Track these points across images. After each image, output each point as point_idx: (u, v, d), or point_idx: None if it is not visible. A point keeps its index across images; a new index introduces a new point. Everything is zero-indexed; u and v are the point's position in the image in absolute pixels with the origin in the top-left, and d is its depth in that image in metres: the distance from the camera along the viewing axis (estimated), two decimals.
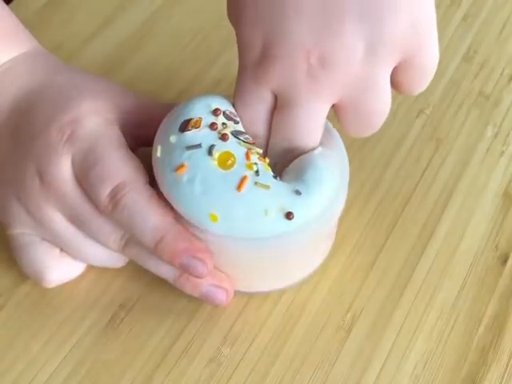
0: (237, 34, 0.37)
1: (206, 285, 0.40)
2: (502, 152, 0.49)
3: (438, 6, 0.59)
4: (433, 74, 0.38)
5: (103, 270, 0.42)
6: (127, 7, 0.57)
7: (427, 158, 0.49)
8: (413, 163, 0.48)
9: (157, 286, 0.42)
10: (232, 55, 0.54)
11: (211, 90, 0.52)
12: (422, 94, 0.52)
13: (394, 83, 0.38)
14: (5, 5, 0.44)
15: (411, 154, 0.49)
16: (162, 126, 0.39)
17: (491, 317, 0.42)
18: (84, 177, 0.38)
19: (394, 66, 0.36)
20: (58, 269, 0.40)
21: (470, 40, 0.56)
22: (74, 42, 0.55)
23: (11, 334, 0.41)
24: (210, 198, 0.36)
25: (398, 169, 0.48)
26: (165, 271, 0.40)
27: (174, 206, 0.37)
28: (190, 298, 0.41)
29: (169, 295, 0.42)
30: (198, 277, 0.38)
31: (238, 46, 0.38)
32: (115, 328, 0.41)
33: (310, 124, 0.38)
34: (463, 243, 0.45)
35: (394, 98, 0.51)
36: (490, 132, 0.50)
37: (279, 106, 0.38)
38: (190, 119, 0.38)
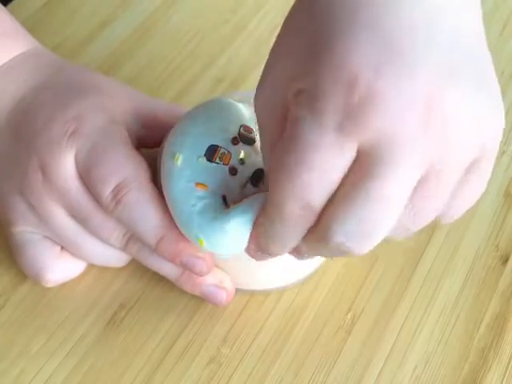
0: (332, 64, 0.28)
1: (206, 284, 0.40)
2: (503, 152, 0.49)
3: None
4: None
5: (103, 270, 0.42)
6: (127, 7, 0.57)
7: None
8: None
9: (157, 285, 0.42)
10: (232, 55, 0.54)
11: (211, 91, 0.52)
12: None
13: None
14: (1, 5, 0.44)
15: None
16: (180, 131, 0.38)
17: (492, 317, 0.42)
18: (87, 173, 0.38)
19: None
20: (58, 268, 0.40)
21: None
22: (74, 41, 0.55)
23: (11, 333, 0.41)
24: (201, 220, 0.36)
25: None
26: (166, 269, 0.40)
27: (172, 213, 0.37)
28: (190, 297, 0.41)
29: (169, 295, 0.42)
30: (198, 275, 0.39)
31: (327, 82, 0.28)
32: (115, 328, 0.41)
33: (397, 193, 0.29)
34: (463, 243, 0.45)
35: None
36: None
37: (362, 163, 0.29)
38: (217, 148, 0.37)
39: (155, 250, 0.38)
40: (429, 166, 0.29)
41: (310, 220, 0.31)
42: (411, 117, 0.28)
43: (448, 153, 0.29)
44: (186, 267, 0.38)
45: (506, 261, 0.44)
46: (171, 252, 0.38)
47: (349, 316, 0.42)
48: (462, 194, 0.31)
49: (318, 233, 0.31)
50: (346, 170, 0.29)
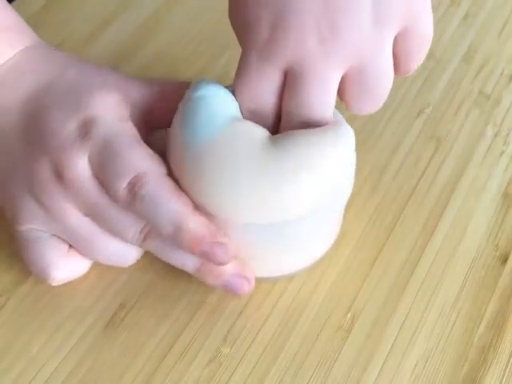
0: (237, 18, 0.38)
1: (228, 274, 0.39)
2: (502, 152, 0.49)
3: (437, 6, 0.59)
4: (429, 46, 0.39)
5: (103, 271, 0.42)
6: (128, 6, 0.57)
7: (427, 158, 0.49)
8: (413, 163, 0.48)
9: (157, 286, 0.42)
10: (234, 54, 0.54)
11: None
12: (421, 93, 0.52)
13: (394, 56, 0.38)
14: (5, 1, 0.44)
15: (411, 154, 0.49)
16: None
17: (491, 316, 0.42)
18: (102, 172, 0.38)
19: (395, 35, 0.37)
20: (65, 266, 0.40)
21: (470, 40, 0.56)
22: (75, 41, 0.55)
23: (11, 333, 0.41)
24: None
25: (398, 168, 0.48)
26: (185, 262, 0.40)
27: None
28: (191, 298, 0.41)
29: (169, 295, 0.42)
30: (219, 264, 0.38)
31: (242, 30, 0.38)
32: (115, 328, 0.41)
33: (322, 94, 0.38)
34: (463, 243, 0.45)
35: (393, 98, 0.52)
36: (490, 132, 0.50)
37: (290, 81, 0.38)
38: None
39: (174, 241, 0.38)
40: (351, 64, 0.37)
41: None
42: (308, 39, 0.36)
43: (361, 49, 0.37)
44: (206, 256, 0.38)
45: (505, 260, 0.44)
46: (190, 241, 0.37)
47: (349, 316, 0.42)
48: (407, 48, 0.38)
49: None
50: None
